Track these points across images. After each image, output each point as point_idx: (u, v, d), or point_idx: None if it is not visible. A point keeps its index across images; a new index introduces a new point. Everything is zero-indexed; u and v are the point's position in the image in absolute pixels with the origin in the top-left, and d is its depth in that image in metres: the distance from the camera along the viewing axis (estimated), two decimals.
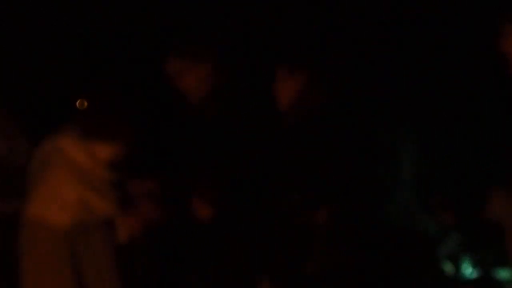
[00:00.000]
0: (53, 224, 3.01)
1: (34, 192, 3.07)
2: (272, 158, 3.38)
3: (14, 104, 3.50)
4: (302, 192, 3.33)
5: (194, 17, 4.18)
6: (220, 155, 3.41)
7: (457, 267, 4.89)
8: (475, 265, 4.88)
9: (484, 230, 4.53)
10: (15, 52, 3.99)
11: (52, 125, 3.25)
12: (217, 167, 3.42)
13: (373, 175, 5.05)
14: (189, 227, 3.49)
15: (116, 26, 4.14)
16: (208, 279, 3.58)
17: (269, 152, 3.38)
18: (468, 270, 4.89)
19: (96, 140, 3.08)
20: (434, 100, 4.96)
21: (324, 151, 3.31)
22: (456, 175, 4.63)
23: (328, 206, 3.31)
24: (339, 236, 3.36)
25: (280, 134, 3.41)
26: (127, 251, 3.31)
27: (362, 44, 4.68)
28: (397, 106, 5.08)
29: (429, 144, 5.06)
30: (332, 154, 3.32)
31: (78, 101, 3.24)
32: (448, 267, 4.88)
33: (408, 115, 5.11)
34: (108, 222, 3.26)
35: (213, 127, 3.43)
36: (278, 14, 4.50)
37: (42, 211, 3.02)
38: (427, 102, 5.03)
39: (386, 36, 4.79)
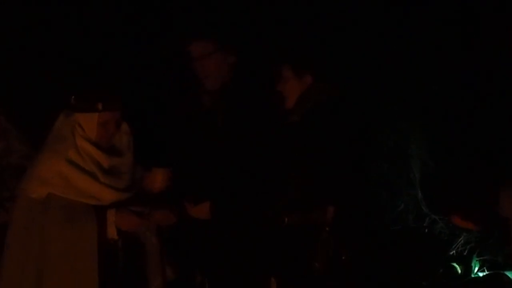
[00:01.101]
0: (32, 197, 3.06)
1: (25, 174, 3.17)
2: (277, 156, 3.36)
3: (10, 103, 3.46)
4: (308, 190, 3.29)
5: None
6: (226, 150, 3.38)
7: (467, 267, 4.86)
8: (484, 265, 4.85)
9: (493, 230, 4.50)
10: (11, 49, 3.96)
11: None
12: (221, 162, 3.39)
13: (379, 174, 5.03)
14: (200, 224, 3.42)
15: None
16: (216, 280, 3.54)
17: (273, 149, 3.36)
18: (477, 270, 4.86)
19: (80, 111, 3.07)
20: (442, 98, 4.92)
21: (329, 149, 3.28)
22: (464, 174, 4.58)
23: (334, 205, 3.27)
24: (345, 235, 3.33)
25: (284, 132, 3.39)
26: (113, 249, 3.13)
27: (367, 42, 4.66)
28: (404, 104, 5.04)
29: (437, 143, 5.02)
30: (336, 152, 3.29)
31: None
32: (457, 267, 4.85)
33: (416, 113, 5.07)
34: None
35: (223, 120, 3.43)
36: (283, 13, 4.49)
37: (26, 186, 3.08)
38: (435, 100, 4.99)
39: (392, 33, 4.76)
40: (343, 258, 3.29)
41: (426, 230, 5.04)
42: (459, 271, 4.82)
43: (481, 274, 4.80)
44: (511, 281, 4.61)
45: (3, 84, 3.65)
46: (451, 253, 4.94)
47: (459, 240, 4.93)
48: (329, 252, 3.31)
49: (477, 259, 4.87)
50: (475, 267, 4.84)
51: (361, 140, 3.45)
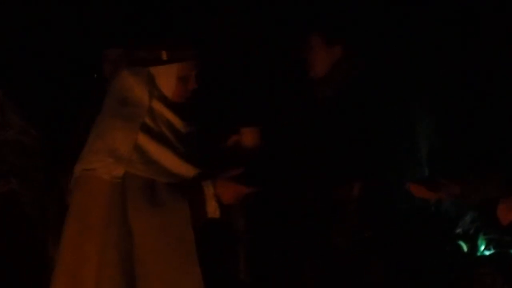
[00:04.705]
0: (105, 179, 2.42)
1: (88, 146, 2.53)
2: (307, 130, 3.32)
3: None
4: (337, 167, 3.28)
5: None
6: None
7: (473, 245, 4.87)
8: (490, 243, 4.86)
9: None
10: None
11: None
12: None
13: (394, 153, 5.04)
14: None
15: None
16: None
17: (303, 124, 3.32)
18: (484, 248, 4.87)
19: (156, 64, 2.48)
20: (451, 78, 4.89)
21: (361, 125, 3.27)
22: (470, 153, 4.59)
23: (359, 182, 3.29)
24: (368, 212, 3.36)
25: (317, 106, 3.34)
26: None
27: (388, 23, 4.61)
28: (412, 83, 5.02)
29: (445, 122, 5.01)
30: (368, 129, 3.29)
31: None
32: (464, 246, 4.87)
33: (424, 92, 5.05)
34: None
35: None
36: None
37: (94, 165, 2.44)
38: (443, 79, 4.96)
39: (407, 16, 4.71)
40: (366, 235, 3.30)
41: (433, 209, 5.05)
42: (465, 250, 4.85)
43: (487, 253, 4.81)
44: None
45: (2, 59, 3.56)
46: (458, 231, 4.95)
47: (466, 218, 4.94)
48: (353, 227, 3.34)
49: (484, 237, 4.87)
50: (481, 245, 4.85)
51: (387, 118, 3.43)
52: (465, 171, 4.43)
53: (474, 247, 4.85)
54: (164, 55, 2.49)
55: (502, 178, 2.75)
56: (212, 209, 2.51)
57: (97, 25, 3.83)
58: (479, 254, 4.83)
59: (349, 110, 3.28)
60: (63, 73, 3.95)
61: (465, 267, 4.63)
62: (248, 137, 2.87)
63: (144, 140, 2.45)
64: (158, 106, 2.51)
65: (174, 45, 2.54)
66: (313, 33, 3.36)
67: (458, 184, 2.70)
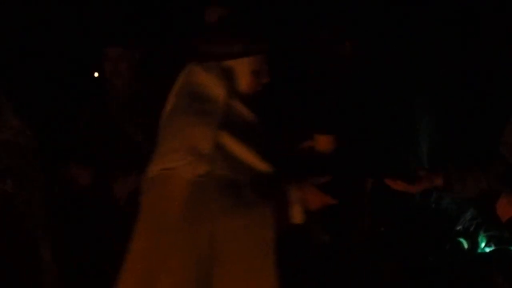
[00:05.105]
0: (186, 178, 2.28)
1: (164, 145, 2.38)
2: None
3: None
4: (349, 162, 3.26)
5: None
6: None
7: (473, 242, 4.88)
8: (491, 240, 4.87)
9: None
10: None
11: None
12: None
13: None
14: None
15: None
16: None
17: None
18: (484, 245, 4.89)
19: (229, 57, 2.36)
20: (451, 74, 4.90)
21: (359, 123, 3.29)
22: (470, 150, 4.59)
23: (373, 177, 3.30)
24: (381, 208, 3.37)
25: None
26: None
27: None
28: (413, 83, 5.03)
29: (446, 118, 5.02)
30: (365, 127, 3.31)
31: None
32: (464, 243, 4.88)
33: (425, 88, 5.06)
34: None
35: None
36: None
37: (173, 164, 2.30)
38: (444, 76, 4.97)
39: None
40: (382, 229, 3.26)
41: (433, 206, 5.07)
42: (466, 247, 4.86)
43: (487, 250, 4.83)
44: None
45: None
46: (458, 228, 4.96)
47: (466, 215, 4.95)
48: (366, 222, 3.35)
49: (484, 234, 4.89)
50: (481, 242, 4.87)
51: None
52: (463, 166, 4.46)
53: (474, 244, 4.86)
54: (237, 49, 2.39)
55: (492, 170, 2.73)
56: (297, 214, 2.42)
57: (97, 24, 3.83)
58: (479, 251, 4.84)
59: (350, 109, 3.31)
60: (62, 73, 3.95)
61: (465, 264, 4.65)
62: (323, 143, 2.79)
63: (223, 137, 2.32)
64: (233, 101, 2.38)
65: (248, 38, 2.43)
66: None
67: (440, 175, 2.68)
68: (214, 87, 2.38)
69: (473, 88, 4.79)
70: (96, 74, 3.77)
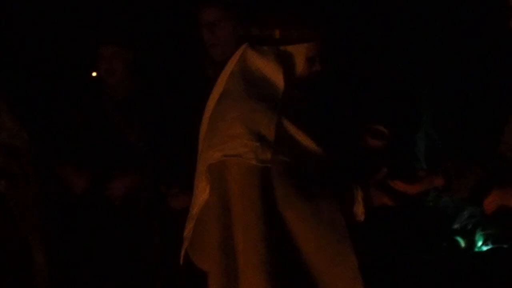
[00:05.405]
0: (252, 164, 2.23)
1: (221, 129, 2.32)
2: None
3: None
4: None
5: None
6: None
7: (470, 241, 4.87)
8: (488, 239, 4.86)
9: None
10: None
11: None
12: None
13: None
14: None
15: None
16: None
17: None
18: (481, 244, 4.87)
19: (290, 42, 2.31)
20: (448, 75, 4.89)
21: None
22: (469, 148, 4.58)
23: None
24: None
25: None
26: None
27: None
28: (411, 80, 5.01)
29: (443, 117, 5.00)
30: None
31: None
32: (461, 241, 4.86)
33: (422, 86, 5.04)
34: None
35: None
36: None
37: (240, 150, 2.24)
38: (442, 72, 4.95)
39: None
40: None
41: (431, 204, 5.04)
42: (463, 245, 4.85)
43: (485, 248, 4.81)
44: None
45: None
46: (455, 227, 4.94)
47: (463, 214, 4.93)
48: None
49: (481, 233, 4.87)
50: (479, 241, 4.85)
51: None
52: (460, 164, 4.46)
53: (471, 243, 4.85)
54: (293, 35, 2.33)
55: (492, 169, 2.72)
56: (361, 213, 2.38)
57: (92, 22, 3.81)
58: (476, 249, 4.83)
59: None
60: (58, 72, 3.93)
61: (462, 262, 4.63)
62: (378, 137, 2.77)
63: (284, 123, 2.27)
64: (290, 87, 2.32)
65: (303, 23, 2.38)
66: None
67: (440, 176, 2.66)
68: (272, 72, 2.32)
69: (472, 88, 4.77)
70: (94, 74, 3.76)
